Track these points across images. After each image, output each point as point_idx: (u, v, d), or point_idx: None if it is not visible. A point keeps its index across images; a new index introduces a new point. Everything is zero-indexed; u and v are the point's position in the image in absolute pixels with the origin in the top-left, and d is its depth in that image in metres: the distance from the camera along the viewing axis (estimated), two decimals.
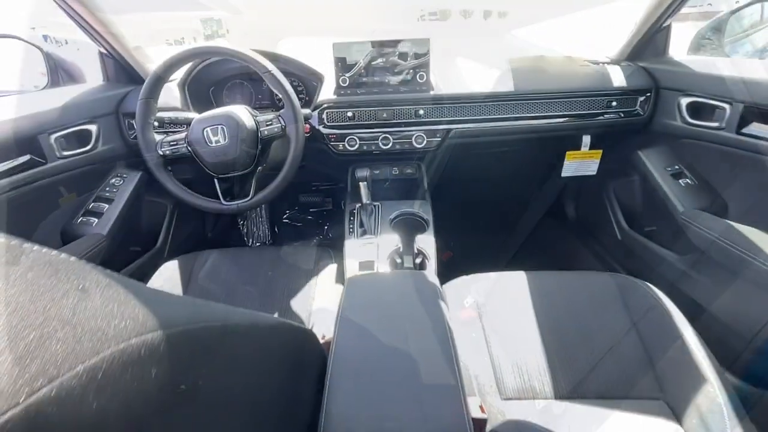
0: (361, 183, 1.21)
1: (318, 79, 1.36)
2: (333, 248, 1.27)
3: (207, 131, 1.04)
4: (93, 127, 1.20)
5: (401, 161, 1.43)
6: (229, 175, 1.10)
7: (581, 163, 1.43)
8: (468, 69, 1.43)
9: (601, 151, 1.41)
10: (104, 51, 1.28)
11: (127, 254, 1.34)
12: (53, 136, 1.08)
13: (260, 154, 1.10)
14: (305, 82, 1.44)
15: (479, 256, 1.54)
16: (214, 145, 1.04)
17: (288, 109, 1.05)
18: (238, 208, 1.10)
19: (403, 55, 1.23)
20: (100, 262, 1.17)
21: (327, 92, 1.30)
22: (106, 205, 1.21)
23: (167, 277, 1.14)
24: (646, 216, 1.38)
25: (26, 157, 1.01)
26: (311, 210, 2.14)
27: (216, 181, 1.12)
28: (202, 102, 1.42)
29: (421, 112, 1.28)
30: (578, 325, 0.90)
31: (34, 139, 1.03)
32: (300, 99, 1.47)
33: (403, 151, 1.31)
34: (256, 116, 1.09)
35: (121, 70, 1.34)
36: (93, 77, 1.40)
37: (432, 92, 1.27)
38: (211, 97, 1.47)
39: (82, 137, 1.18)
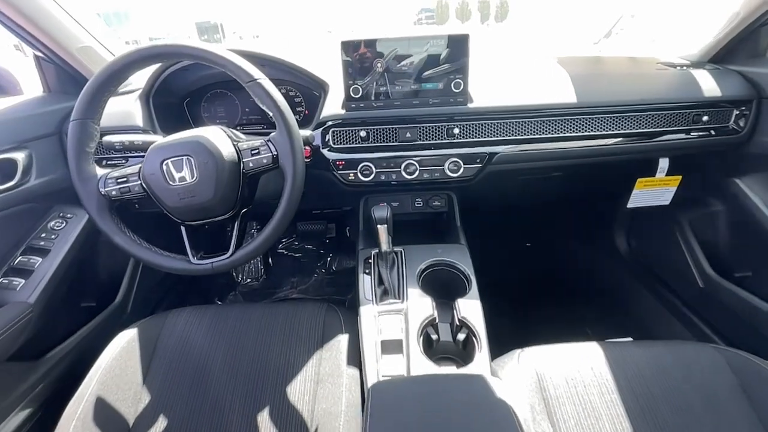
0: (380, 226, 0.91)
1: (321, 88, 1.06)
2: (344, 307, 0.97)
3: (167, 165, 0.74)
4: (19, 156, 0.89)
5: (426, 191, 1.13)
6: (201, 222, 0.80)
7: (654, 191, 1.13)
8: (508, 74, 1.13)
9: (680, 177, 1.12)
10: (41, 54, 0.98)
11: (72, 318, 1.03)
12: None
13: (244, 193, 0.80)
14: (305, 92, 1.14)
15: (521, 305, 1.24)
16: (177, 184, 0.74)
17: (281, 131, 0.75)
18: (213, 269, 0.79)
19: (433, 58, 0.93)
20: (27, 339, 0.85)
21: (333, 105, 1.01)
22: (39, 260, 0.90)
23: (121, 352, 0.83)
24: (741, 259, 1.09)
25: None
26: (311, 239, 1.83)
27: (183, 229, 0.81)
28: (173, 119, 1.11)
29: (457, 131, 0.98)
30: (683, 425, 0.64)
31: None
32: (298, 114, 1.17)
33: (432, 181, 1.01)
34: (237, 142, 0.78)
35: (67, 77, 1.03)
36: (36, 88, 1.10)
37: (471, 104, 0.98)
38: (186, 113, 1.17)
39: (4, 169, 0.88)
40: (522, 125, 0.98)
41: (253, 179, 0.81)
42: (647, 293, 1.33)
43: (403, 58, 0.94)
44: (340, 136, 0.99)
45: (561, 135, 0.99)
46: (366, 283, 0.93)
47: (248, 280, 1.74)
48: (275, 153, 0.76)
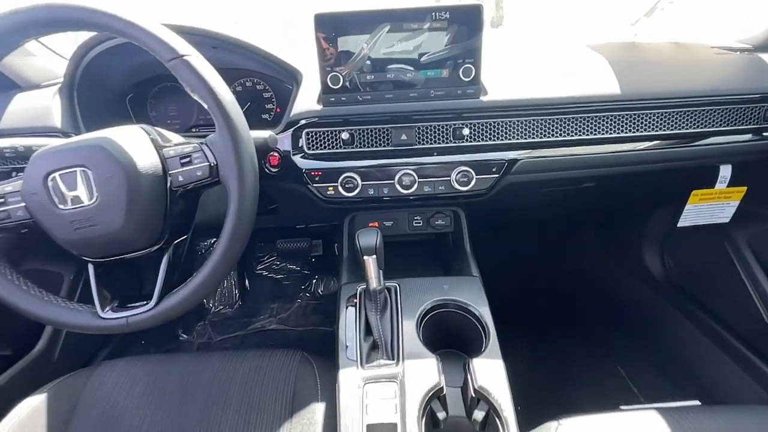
0: (368, 258, 0.68)
1: (293, 78, 0.83)
2: (324, 356, 0.75)
3: (54, 180, 0.51)
4: None
5: (427, 207, 0.91)
6: (111, 259, 0.57)
7: (711, 206, 0.91)
8: (531, 62, 0.91)
9: (745, 188, 0.90)
10: None
11: None
12: None
13: (173, 219, 0.57)
14: (276, 86, 0.92)
15: (548, 349, 1.01)
16: (69, 207, 0.51)
17: (220, 130, 0.53)
18: (128, 326, 0.56)
19: (436, 36, 0.71)
20: None
21: (307, 100, 0.78)
22: None
23: (22, 421, 0.61)
24: None
25: None
26: (294, 258, 1.60)
27: (90, 268, 0.58)
28: (111, 120, 0.88)
29: (466, 131, 0.76)
30: None
31: None
32: (267, 113, 0.95)
33: (434, 196, 0.79)
34: (162, 147, 0.56)
35: None
36: None
37: (485, 97, 0.76)
38: (129, 111, 0.94)
39: None
40: (549, 124, 0.76)
41: (188, 198, 0.59)
42: (693, 327, 1.10)
43: (397, 37, 0.72)
44: (316, 138, 0.77)
45: (598, 137, 0.78)
46: (349, 332, 0.70)
47: (220, 308, 1.51)
48: (213, 162, 0.54)
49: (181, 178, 0.54)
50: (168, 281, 0.58)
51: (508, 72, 0.82)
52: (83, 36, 0.79)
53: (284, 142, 0.76)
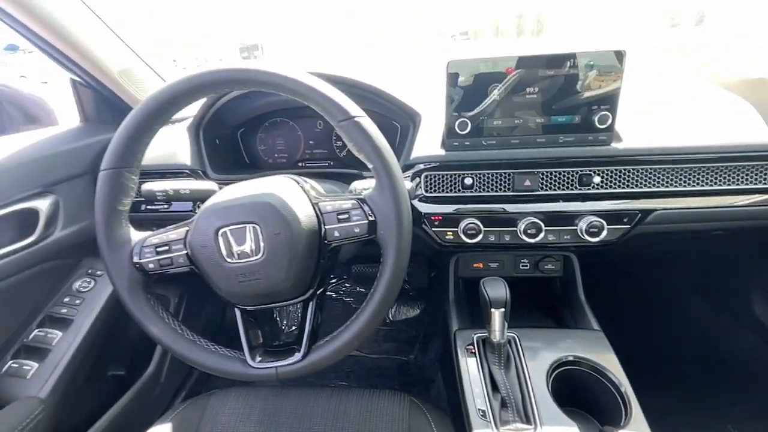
0: (495, 311, 0.65)
1: (410, 119, 0.83)
2: (434, 411, 0.72)
3: (225, 235, 0.52)
4: (43, 204, 0.72)
5: (536, 250, 0.88)
6: (263, 306, 0.58)
7: None
8: (660, 104, 0.86)
9: None
10: (79, 78, 0.81)
11: (97, 400, 0.83)
12: None
13: (323, 271, 0.57)
14: (380, 121, 0.93)
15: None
16: (237, 262, 0.52)
17: (383, 189, 0.53)
18: (277, 377, 0.57)
19: (570, 83, 0.69)
20: None
21: (427, 143, 0.78)
22: (58, 334, 0.72)
23: None
24: None
25: None
26: (365, 282, 1.60)
27: (238, 314, 0.59)
28: (225, 154, 0.92)
29: (597, 179, 0.72)
30: None
31: None
32: None
33: (560, 245, 0.76)
34: (317, 202, 0.56)
35: (106, 104, 0.87)
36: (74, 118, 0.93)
37: (620, 144, 0.72)
38: (240, 145, 0.98)
39: (24, 221, 0.70)
40: (690, 174, 0.71)
41: (336, 250, 0.59)
42: None
43: (529, 82, 0.70)
44: (435, 182, 0.76)
45: (747, 187, 0.72)
46: (474, 387, 0.67)
47: (293, 328, 1.53)
48: (372, 218, 0.54)
49: (336, 234, 0.55)
50: (314, 331, 0.58)
51: (638, 116, 0.78)
52: None
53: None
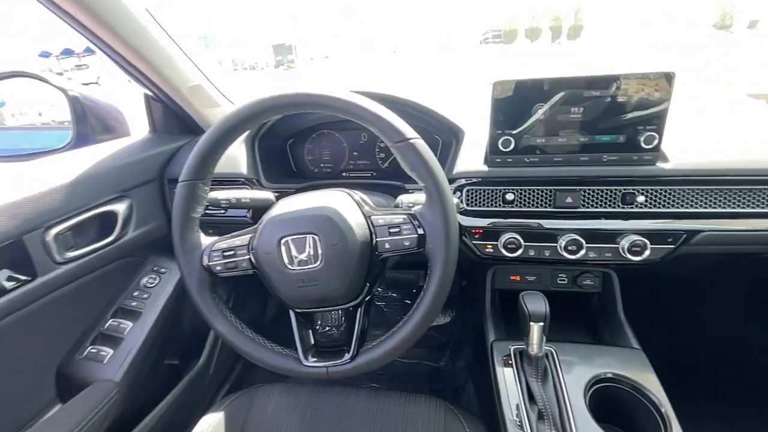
0: (535, 325, 0.68)
1: (453, 134, 0.87)
2: (468, 417, 0.75)
3: (287, 244, 0.58)
4: (120, 207, 0.80)
5: (574, 266, 0.89)
6: (317, 310, 0.63)
7: None
8: (707, 123, 0.86)
9: None
10: (151, 93, 0.90)
11: (157, 385, 0.91)
12: (53, 232, 0.68)
13: (373, 280, 0.62)
14: (422, 135, 0.96)
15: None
16: (297, 268, 0.57)
17: (433, 206, 0.56)
18: (328, 375, 0.61)
19: (617, 103, 0.70)
20: (111, 423, 0.74)
21: (471, 158, 0.81)
22: (129, 325, 0.80)
23: None
24: None
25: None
26: (398, 287, 1.64)
27: (292, 316, 0.65)
28: (275, 163, 0.99)
29: (641, 198, 0.73)
30: None
31: (17, 244, 0.63)
32: None
33: (600, 263, 0.76)
34: (370, 215, 0.61)
35: (173, 117, 0.95)
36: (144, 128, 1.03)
37: (666, 165, 0.72)
38: (288, 155, 1.04)
39: (104, 222, 0.78)
40: (741, 195, 0.70)
41: (385, 261, 0.63)
42: None
43: (574, 102, 0.72)
44: (476, 196, 0.79)
45: None
46: (511, 397, 0.69)
47: (326, 328, 1.58)
48: (422, 233, 0.57)
49: (387, 246, 0.59)
50: (362, 335, 0.62)
51: (685, 134, 0.77)
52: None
53: None
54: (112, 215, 0.79)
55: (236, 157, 0.90)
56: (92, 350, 0.76)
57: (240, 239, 0.63)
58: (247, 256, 0.61)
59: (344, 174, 1.03)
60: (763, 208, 0.70)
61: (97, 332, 0.78)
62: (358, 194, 0.66)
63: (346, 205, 0.60)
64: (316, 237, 0.57)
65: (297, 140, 1.04)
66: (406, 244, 0.58)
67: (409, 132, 0.55)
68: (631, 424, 0.68)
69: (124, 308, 0.82)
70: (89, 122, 0.87)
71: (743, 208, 0.71)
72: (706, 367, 1.12)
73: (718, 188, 0.71)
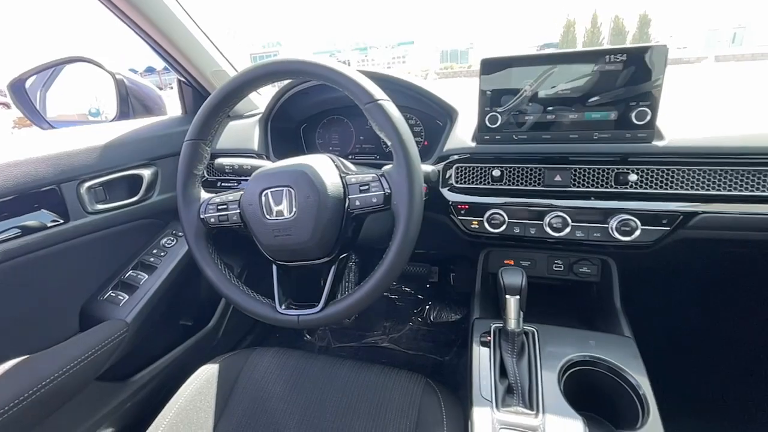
0: (510, 298, 0.67)
1: (448, 115, 0.89)
2: (442, 384, 0.75)
3: (266, 196, 0.64)
4: (146, 172, 0.91)
5: (571, 251, 0.86)
6: (293, 263, 0.68)
7: None
8: (711, 103, 0.81)
9: None
10: (183, 78, 1.02)
11: (166, 337, 1.01)
12: (86, 185, 0.80)
13: (345, 236, 0.65)
14: (426, 121, 0.99)
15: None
16: (274, 218, 0.63)
17: (399, 165, 0.59)
18: (298, 322, 0.65)
19: (607, 78, 0.69)
20: (119, 359, 0.83)
21: (461, 136, 0.83)
22: (145, 276, 0.90)
23: (200, 389, 0.75)
24: None
25: (35, 215, 0.73)
26: (410, 281, 1.65)
27: (274, 269, 0.70)
28: (289, 144, 1.07)
29: (633, 177, 0.70)
30: None
31: (54, 190, 0.75)
32: (416, 144, 1.02)
33: (588, 242, 0.74)
34: (345, 175, 0.65)
35: (202, 100, 1.07)
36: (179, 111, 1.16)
37: (661, 142, 0.69)
38: (301, 138, 1.12)
39: (132, 184, 0.90)
40: (742, 176, 0.66)
41: (358, 219, 0.67)
42: None
43: (563, 79, 0.71)
44: (465, 173, 0.80)
45: None
46: (483, 370, 0.69)
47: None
48: (388, 191, 0.60)
49: (357, 203, 0.62)
50: (333, 289, 0.66)
51: (684, 111, 0.74)
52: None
53: (436, 175, 0.81)
54: (139, 178, 0.90)
55: (250, 135, 0.99)
56: (111, 294, 0.86)
57: (233, 195, 0.70)
58: (237, 210, 0.68)
59: (350, 156, 1.08)
60: (765, 191, 0.65)
61: (118, 280, 0.89)
62: (341, 159, 0.71)
63: (325, 165, 0.65)
64: (291, 190, 0.62)
65: (309, 125, 1.11)
66: (374, 201, 0.61)
67: (378, 93, 0.59)
68: (611, 411, 0.65)
69: (143, 262, 0.93)
70: (130, 102, 1.01)
71: (745, 190, 0.66)
72: (703, 361, 1.01)
73: (718, 168, 0.66)
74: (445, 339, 1.47)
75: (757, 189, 0.65)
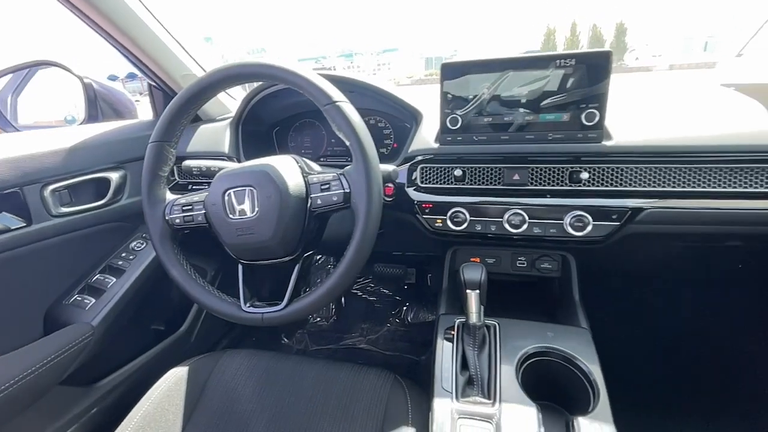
0: (471, 292, 0.70)
1: (413, 118, 0.92)
2: (412, 381, 0.76)
3: (229, 195, 0.65)
4: (114, 175, 0.91)
5: (534, 248, 0.89)
6: (258, 262, 0.69)
7: None
8: (661, 106, 0.86)
9: None
10: (153, 82, 1.03)
11: (135, 342, 1.00)
12: (50, 188, 0.79)
13: (308, 234, 0.67)
14: (395, 124, 1.02)
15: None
16: (236, 218, 0.64)
17: (357, 164, 0.61)
18: (262, 320, 0.66)
19: (558, 82, 0.73)
20: (83, 363, 0.82)
21: (425, 138, 0.85)
22: (113, 280, 0.89)
23: (168, 392, 0.75)
24: None
25: None
26: (388, 282, 1.67)
27: (240, 268, 0.71)
28: (261, 147, 1.08)
29: (585, 175, 0.74)
30: None
31: (16, 193, 0.74)
32: (385, 147, 1.05)
33: (543, 238, 0.77)
34: (307, 174, 0.67)
35: None
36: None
37: (609, 142, 0.73)
38: (273, 141, 1.13)
39: (100, 187, 0.90)
40: (684, 174, 0.70)
41: (321, 218, 0.69)
42: None
43: (518, 83, 0.75)
44: (430, 174, 0.83)
45: (745, 190, 0.68)
46: (445, 363, 0.71)
47: (317, 319, 1.63)
48: (347, 190, 0.62)
49: (319, 201, 0.64)
50: (297, 287, 0.67)
51: (632, 114, 0.78)
52: (252, 83, 0.99)
53: (401, 174, 0.84)
54: (107, 182, 0.90)
55: (221, 138, 1.00)
56: (78, 298, 0.85)
57: (198, 195, 0.71)
58: (203, 211, 0.69)
59: (322, 159, 1.10)
60: (712, 187, 0.69)
61: (85, 284, 0.88)
62: (305, 160, 0.72)
63: (287, 165, 0.67)
64: (254, 189, 0.63)
65: (282, 129, 1.12)
66: (335, 199, 0.63)
67: (336, 95, 0.61)
68: (566, 399, 0.67)
69: (111, 266, 0.92)
70: (99, 105, 1.00)
71: (688, 187, 0.70)
72: (656, 354, 1.06)
73: (663, 167, 0.71)
74: (421, 339, 1.49)
75: (699, 185, 0.69)
